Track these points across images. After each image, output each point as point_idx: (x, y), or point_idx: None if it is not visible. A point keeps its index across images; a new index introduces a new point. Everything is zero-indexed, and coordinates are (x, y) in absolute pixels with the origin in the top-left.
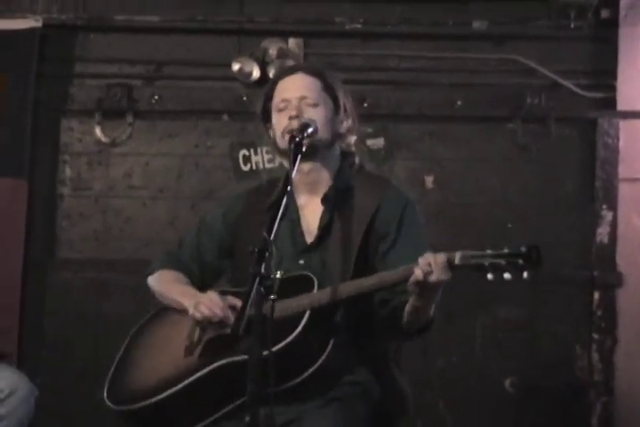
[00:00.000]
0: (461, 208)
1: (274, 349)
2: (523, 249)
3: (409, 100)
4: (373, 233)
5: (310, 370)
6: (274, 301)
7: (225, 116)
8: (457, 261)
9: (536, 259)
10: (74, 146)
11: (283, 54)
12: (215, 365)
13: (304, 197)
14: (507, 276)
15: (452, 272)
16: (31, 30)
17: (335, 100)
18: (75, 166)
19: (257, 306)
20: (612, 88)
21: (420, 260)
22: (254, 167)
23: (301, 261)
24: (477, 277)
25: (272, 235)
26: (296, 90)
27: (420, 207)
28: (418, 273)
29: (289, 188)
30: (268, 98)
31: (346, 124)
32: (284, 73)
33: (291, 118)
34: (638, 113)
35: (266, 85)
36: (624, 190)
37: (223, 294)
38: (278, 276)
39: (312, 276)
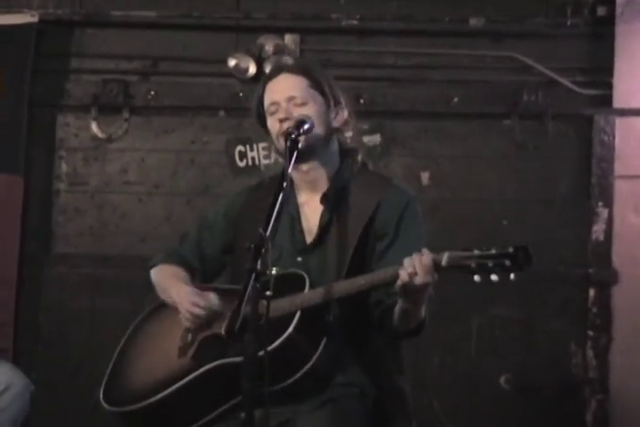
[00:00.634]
0: (457, 205)
1: (267, 348)
2: (510, 250)
3: (405, 96)
4: (372, 232)
5: (303, 370)
6: (270, 297)
7: (221, 112)
8: (444, 262)
9: (523, 260)
10: (70, 141)
11: (279, 50)
12: (208, 366)
13: (305, 194)
14: (493, 277)
15: (438, 274)
16: (27, 25)
17: (324, 95)
18: (71, 162)
19: (253, 302)
20: (609, 85)
21: (406, 261)
22: (250, 163)
23: (299, 259)
24: (464, 278)
25: (268, 231)
26: (283, 91)
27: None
28: (403, 275)
29: (284, 184)
30: (261, 102)
31: (340, 117)
32: (270, 75)
33: (281, 121)
34: (634, 110)
35: (258, 86)
36: (620, 187)
37: (215, 290)
38: (274, 272)
39: (304, 274)
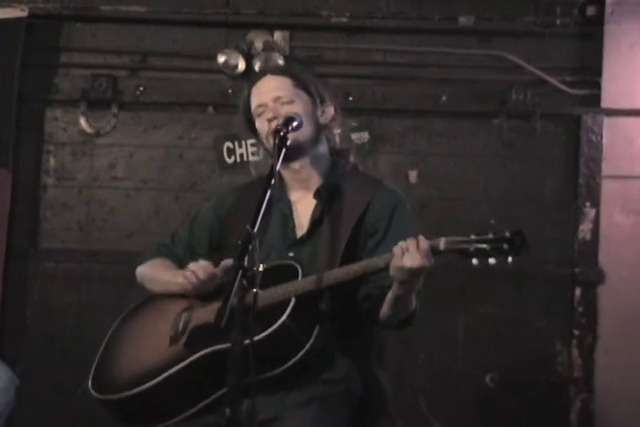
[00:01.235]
0: (445, 203)
1: (259, 336)
2: (507, 234)
3: (394, 94)
4: (362, 230)
5: (296, 358)
6: (256, 294)
7: (210, 109)
8: (441, 246)
9: (520, 243)
10: (58, 136)
11: (268, 47)
12: (199, 354)
13: (297, 193)
14: (491, 261)
15: (434, 258)
16: (17, 20)
17: (309, 93)
18: (59, 156)
19: (239, 299)
20: (597, 85)
21: (402, 242)
22: (238, 160)
23: (291, 254)
24: (462, 262)
25: (255, 228)
26: (268, 92)
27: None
28: (397, 251)
29: (273, 181)
30: (247, 106)
31: (327, 114)
32: (254, 78)
33: (269, 120)
34: (622, 110)
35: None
36: (607, 187)
37: None
38: (261, 269)
39: (296, 264)
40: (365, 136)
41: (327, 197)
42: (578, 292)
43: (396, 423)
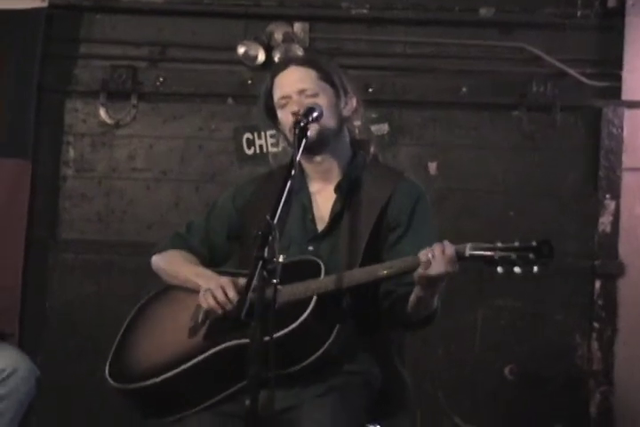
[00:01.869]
0: (464, 195)
1: (280, 333)
2: (534, 243)
3: (414, 86)
4: (384, 224)
5: (315, 355)
6: (277, 285)
7: (229, 100)
8: (467, 253)
9: (547, 253)
10: (78, 127)
11: (288, 38)
12: (219, 347)
13: (317, 184)
14: (517, 269)
15: (459, 264)
16: (37, 10)
17: (333, 85)
18: (78, 148)
19: (259, 290)
20: (618, 77)
21: (428, 249)
22: (258, 151)
23: (310, 248)
24: (486, 269)
25: (276, 219)
26: (293, 84)
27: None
28: (423, 259)
29: (293, 172)
30: (270, 96)
31: (349, 106)
32: (277, 68)
33: (294, 115)
34: None
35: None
36: (627, 180)
37: (224, 274)
38: (281, 260)
39: (319, 261)
40: (385, 128)
41: (347, 190)
42: (598, 284)
43: (416, 417)
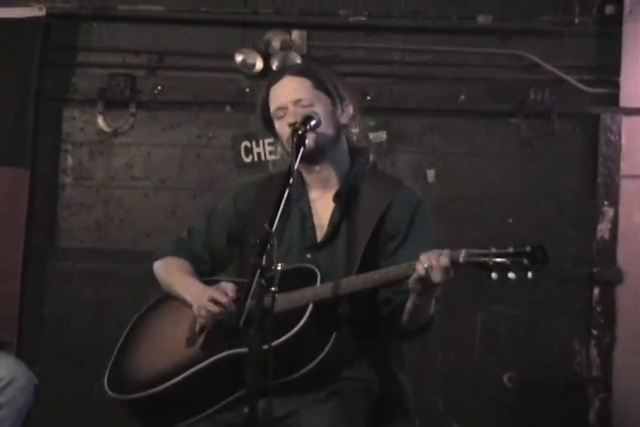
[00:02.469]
0: (462, 202)
1: (277, 342)
2: (528, 249)
3: (412, 93)
4: (382, 232)
5: (312, 363)
6: (275, 293)
7: (227, 108)
8: (461, 259)
9: (541, 259)
10: (76, 135)
11: (286, 46)
12: (217, 356)
13: (316, 192)
14: (511, 275)
15: (454, 271)
16: (35, 19)
17: (329, 94)
18: (76, 156)
19: (257, 298)
20: (616, 84)
21: (423, 257)
22: (256, 159)
23: (309, 255)
24: (481, 275)
25: (274, 227)
26: (288, 94)
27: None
28: (419, 269)
29: (291, 180)
30: (266, 107)
31: (346, 113)
32: (272, 79)
33: (291, 126)
34: None
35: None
36: (625, 187)
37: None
38: (279, 268)
39: (315, 269)
40: (383, 135)
41: (346, 199)
42: (596, 291)
43: (415, 423)
